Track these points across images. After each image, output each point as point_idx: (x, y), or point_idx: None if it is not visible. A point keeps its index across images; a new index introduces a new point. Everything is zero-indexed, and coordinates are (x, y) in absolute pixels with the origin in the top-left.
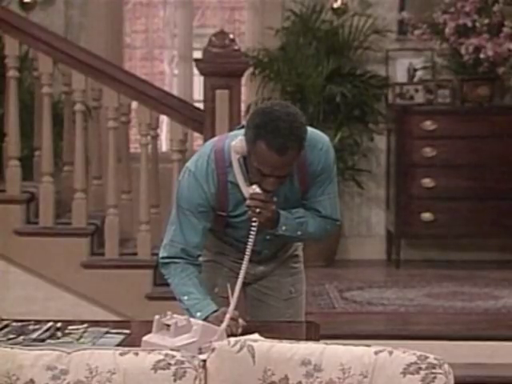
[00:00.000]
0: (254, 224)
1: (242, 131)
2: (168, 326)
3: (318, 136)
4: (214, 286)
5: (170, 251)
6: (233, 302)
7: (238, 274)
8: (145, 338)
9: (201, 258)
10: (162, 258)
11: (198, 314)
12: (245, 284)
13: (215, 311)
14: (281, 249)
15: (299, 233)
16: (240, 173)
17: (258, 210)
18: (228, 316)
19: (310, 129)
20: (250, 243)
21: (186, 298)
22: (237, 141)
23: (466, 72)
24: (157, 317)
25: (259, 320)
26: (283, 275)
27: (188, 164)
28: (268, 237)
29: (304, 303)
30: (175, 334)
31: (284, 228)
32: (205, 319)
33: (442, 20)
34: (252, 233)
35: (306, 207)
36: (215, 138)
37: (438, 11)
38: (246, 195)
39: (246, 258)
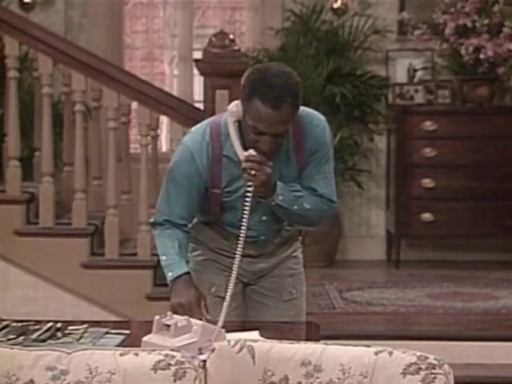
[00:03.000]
0: (249, 189)
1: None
2: (168, 326)
3: (314, 114)
4: (211, 286)
5: (155, 219)
6: (228, 296)
7: (237, 275)
8: (145, 339)
9: (198, 257)
10: (151, 222)
11: (170, 273)
12: (244, 284)
13: (186, 273)
14: (280, 246)
15: (295, 207)
16: (236, 137)
17: (253, 172)
18: (223, 314)
19: (306, 108)
20: (246, 210)
21: (164, 258)
22: (232, 105)
23: (466, 72)
24: (157, 317)
25: (259, 320)
26: (283, 276)
27: (183, 138)
28: (264, 217)
29: (305, 305)
30: (175, 335)
31: (280, 198)
32: (174, 280)
33: (442, 20)
34: (248, 199)
35: (303, 186)
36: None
37: (437, 11)
38: (242, 158)
39: (244, 228)
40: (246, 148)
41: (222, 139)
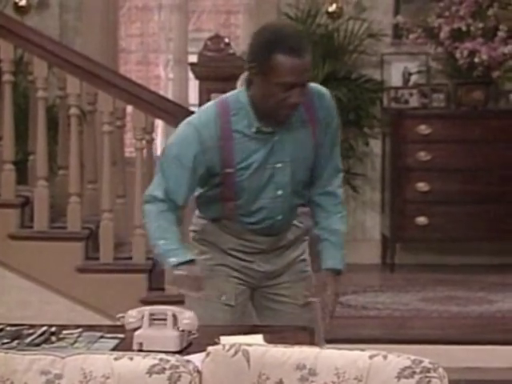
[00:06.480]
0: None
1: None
2: (157, 319)
3: (316, 84)
4: (222, 294)
5: (153, 192)
6: None
7: (247, 280)
8: (137, 333)
9: (208, 262)
10: (147, 195)
11: (173, 259)
12: (252, 290)
13: (191, 261)
14: (289, 245)
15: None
16: None
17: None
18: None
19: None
20: None
21: (162, 242)
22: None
23: (461, 76)
24: (146, 312)
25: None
26: (296, 280)
27: (188, 119)
28: (279, 192)
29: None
30: (173, 325)
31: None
32: (177, 265)
33: (437, 24)
34: None
35: (319, 172)
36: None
37: (432, 15)
38: None
39: None
40: (261, 118)
41: (230, 114)
